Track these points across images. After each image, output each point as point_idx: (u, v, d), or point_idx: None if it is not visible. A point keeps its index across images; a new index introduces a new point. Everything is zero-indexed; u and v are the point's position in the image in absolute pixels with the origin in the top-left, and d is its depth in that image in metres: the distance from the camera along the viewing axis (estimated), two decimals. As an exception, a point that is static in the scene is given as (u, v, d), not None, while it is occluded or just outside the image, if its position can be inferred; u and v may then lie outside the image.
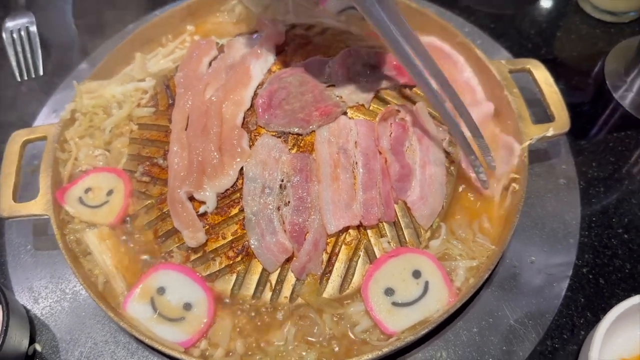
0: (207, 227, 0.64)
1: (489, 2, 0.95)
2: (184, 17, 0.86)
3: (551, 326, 0.62)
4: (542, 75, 0.74)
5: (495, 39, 0.88)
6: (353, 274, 0.62)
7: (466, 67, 0.78)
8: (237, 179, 0.65)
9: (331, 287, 0.61)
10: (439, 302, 0.59)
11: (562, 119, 0.69)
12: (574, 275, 0.65)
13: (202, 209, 0.64)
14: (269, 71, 0.73)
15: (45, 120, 0.83)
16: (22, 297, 0.68)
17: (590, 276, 0.66)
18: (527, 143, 0.67)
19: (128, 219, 0.67)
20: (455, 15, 0.91)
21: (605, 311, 0.57)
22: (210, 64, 0.76)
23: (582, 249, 0.67)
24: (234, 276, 0.62)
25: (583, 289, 0.65)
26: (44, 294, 0.68)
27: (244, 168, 0.65)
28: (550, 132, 0.68)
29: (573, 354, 0.61)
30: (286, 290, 0.61)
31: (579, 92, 0.83)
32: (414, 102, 0.71)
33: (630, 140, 0.77)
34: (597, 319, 0.62)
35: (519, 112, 0.70)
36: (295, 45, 0.77)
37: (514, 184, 0.65)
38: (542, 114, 0.72)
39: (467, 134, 0.65)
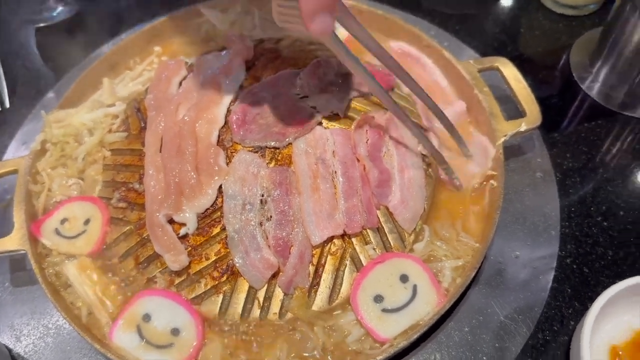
0: (190, 248, 0.63)
1: (452, 4, 0.97)
2: (149, 39, 0.85)
3: (541, 319, 0.63)
4: (510, 72, 0.75)
5: (461, 39, 0.89)
6: (341, 284, 0.61)
7: (435, 69, 0.79)
8: (217, 197, 0.64)
9: (320, 299, 0.61)
10: (428, 304, 0.59)
11: (533, 114, 0.70)
12: (559, 266, 0.66)
13: (182, 231, 0.63)
14: (241, 87, 0.73)
15: (15, 153, 0.81)
16: (3, 337, 0.66)
17: (575, 266, 0.66)
18: (501, 140, 0.68)
19: (107, 247, 0.66)
20: (420, 19, 0.92)
21: (592, 299, 0.58)
22: (180, 84, 0.75)
23: (564, 240, 0.68)
24: (221, 296, 0.61)
25: (568, 280, 0.66)
26: (26, 331, 0.66)
27: (223, 186, 0.64)
28: (523, 127, 0.69)
29: (564, 345, 0.61)
30: (275, 307, 0.60)
31: (547, 86, 0.84)
32: (387, 108, 0.71)
33: (600, 130, 0.79)
34: (585, 308, 0.63)
35: (491, 109, 0.71)
36: (265, 60, 0.77)
37: (492, 181, 0.66)
38: (513, 110, 0.73)
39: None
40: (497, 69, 0.75)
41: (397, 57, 0.74)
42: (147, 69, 0.83)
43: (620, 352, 0.59)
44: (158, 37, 0.86)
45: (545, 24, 0.93)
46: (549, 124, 0.78)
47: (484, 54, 0.87)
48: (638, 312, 0.60)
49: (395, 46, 0.82)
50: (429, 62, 0.79)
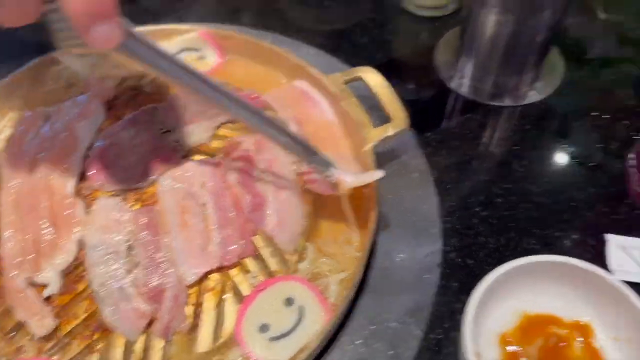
0: (57, 309, 0.58)
1: (321, 20, 0.98)
2: (8, 93, 0.81)
3: (431, 318, 0.62)
4: (374, 79, 0.75)
5: (332, 54, 0.90)
6: (225, 320, 0.59)
7: (325, 105, 0.77)
8: (79, 250, 0.60)
9: (203, 340, 0.58)
10: (316, 323, 0.57)
11: (399, 117, 0.71)
12: (444, 262, 0.66)
13: (46, 292, 0.58)
14: (99, 130, 0.70)
15: None
16: None
17: (459, 259, 0.67)
18: (369, 147, 0.68)
19: (-31, 323, 0.60)
20: (290, 39, 0.92)
21: (477, 290, 0.58)
22: (37, 135, 0.71)
23: (446, 235, 0.69)
24: (96, 355, 0.57)
25: (454, 274, 0.66)
26: None
27: (84, 237, 0.60)
28: (390, 132, 0.70)
29: (457, 341, 0.61)
30: (156, 357, 0.57)
31: (417, 88, 0.86)
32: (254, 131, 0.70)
33: (471, 123, 0.81)
34: (472, 300, 0.63)
35: (359, 119, 0.71)
36: (126, 98, 0.74)
37: (365, 190, 0.66)
38: (384, 117, 0.73)
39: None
40: (362, 78, 0.76)
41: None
42: (7, 125, 0.79)
43: (509, 339, 0.59)
44: (18, 90, 0.81)
45: (410, 28, 0.95)
46: (422, 125, 0.79)
47: (355, 65, 0.87)
48: (522, 295, 0.61)
49: (299, 84, 0.80)
50: (300, 83, 0.79)
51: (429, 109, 0.84)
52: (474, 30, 0.81)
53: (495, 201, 0.72)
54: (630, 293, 0.56)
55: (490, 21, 0.77)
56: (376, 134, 0.70)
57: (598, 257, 0.66)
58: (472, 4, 0.79)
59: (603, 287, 0.58)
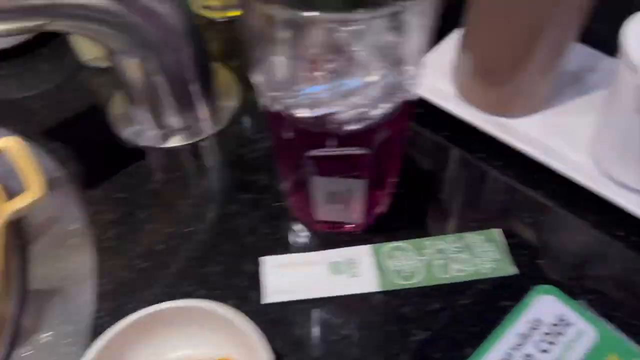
0: None
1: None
2: None
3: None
4: (16, 148, 0.70)
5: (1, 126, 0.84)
6: None
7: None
8: None
9: None
10: None
11: (35, 186, 0.67)
12: (94, 330, 0.62)
13: None
14: None
15: None
16: None
17: (112, 324, 0.62)
18: (-3, 224, 0.63)
19: None
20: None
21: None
22: None
23: (101, 299, 0.64)
24: None
25: (106, 340, 0.61)
26: None
27: None
28: (22, 204, 0.65)
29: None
30: None
31: (89, 146, 0.82)
32: None
33: (142, 172, 0.77)
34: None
35: (-13, 196, 0.66)
36: None
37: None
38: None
39: None
40: (2, 149, 0.70)
41: None
42: None
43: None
44: None
45: (92, 84, 0.91)
46: (89, 185, 0.76)
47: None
48: (161, 344, 0.58)
49: None
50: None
51: (100, 164, 0.80)
52: (123, 78, 0.79)
53: (156, 249, 0.69)
54: (241, 322, 0.55)
55: (131, 66, 0.75)
56: (8, 208, 0.65)
57: (256, 282, 0.65)
58: (108, 54, 0.77)
59: (222, 321, 0.57)
